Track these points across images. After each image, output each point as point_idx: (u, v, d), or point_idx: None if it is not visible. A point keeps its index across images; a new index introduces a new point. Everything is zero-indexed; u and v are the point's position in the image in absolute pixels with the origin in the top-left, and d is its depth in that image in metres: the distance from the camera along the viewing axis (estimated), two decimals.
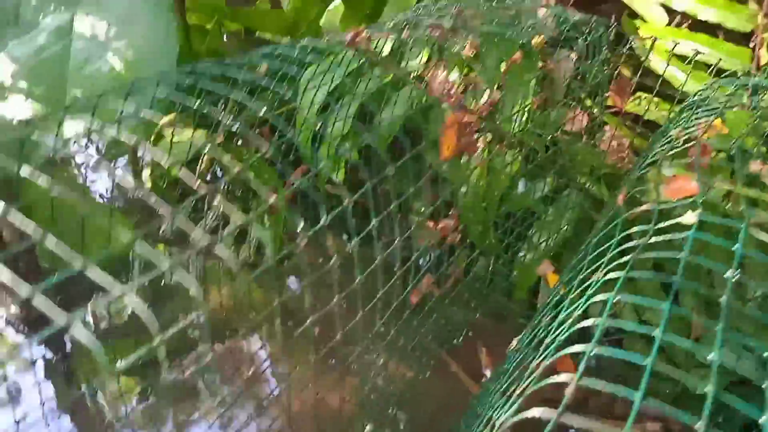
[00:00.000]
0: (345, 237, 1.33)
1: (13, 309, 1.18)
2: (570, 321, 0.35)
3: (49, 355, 1.11)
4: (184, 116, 0.92)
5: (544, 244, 1.04)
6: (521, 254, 1.05)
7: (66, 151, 1.01)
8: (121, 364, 0.35)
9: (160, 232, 1.16)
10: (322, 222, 0.56)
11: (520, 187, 1.06)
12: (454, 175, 1.06)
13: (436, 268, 0.89)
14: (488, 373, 0.99)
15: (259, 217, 1.33)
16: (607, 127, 1.00)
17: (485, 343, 1.02)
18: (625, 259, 0.40)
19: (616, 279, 0.38)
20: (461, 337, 1.01)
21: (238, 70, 0.56)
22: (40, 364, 1.09)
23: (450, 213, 0.67)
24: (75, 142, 1.11)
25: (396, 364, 0.83)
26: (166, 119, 0.91)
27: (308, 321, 0.53)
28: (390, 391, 0.84)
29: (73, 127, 0.63)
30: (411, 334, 0.84)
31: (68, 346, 1.12)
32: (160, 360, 0.40)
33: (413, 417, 0.90)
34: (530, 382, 0.31)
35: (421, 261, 1.07)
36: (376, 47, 1.04)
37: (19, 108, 0.86)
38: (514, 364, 0.47)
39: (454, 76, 0.53)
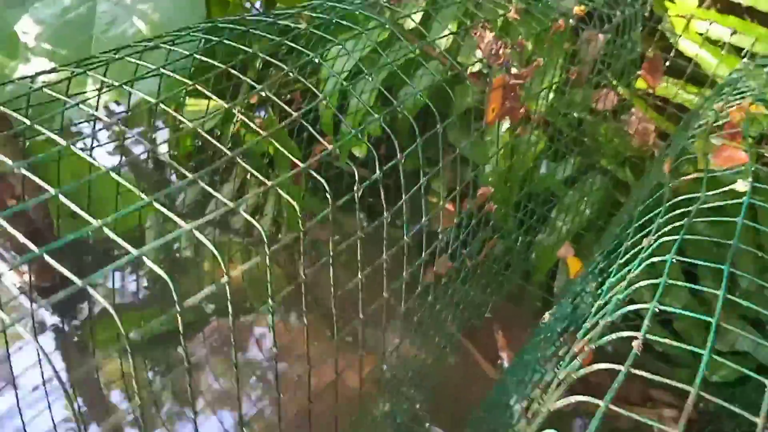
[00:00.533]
0: (361, 215, 1.33)
1: (26, 276, 1.18)
2: (626, 282, 0.34)
3: (60, 328, 1.11)
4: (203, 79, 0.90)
5: (564, 227, 1.03)
6: (541, 236, 1.04)
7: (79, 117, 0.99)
8: (134, 334, 0.34)
9: (175, 203, 1.16)
10: (352, 192, 0.55)
11: (543, 168, 1.05)
12: (477, 154, 1.05)
13: (455, 249, 0.88)
14: (504, 355, 0.98)
15: (277, 191, 1.32)
16: (633, 110, 0.99)
17: (501, 326, 1.02)
18: (678, 224, 0.39)
19: (670, 242, 0.37)
20: (479, 319, 1.00)
21: (273, 20, 0.55)
22: (50, 336, 1.09)
23: (479, 192, 0.65)
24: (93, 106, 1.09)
25: (414, 345, 0.82)
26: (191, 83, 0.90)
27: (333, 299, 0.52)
28: (408, 371, 0.83)
29: (94, 90, 0.62)
30: (429, 314, 0.83)
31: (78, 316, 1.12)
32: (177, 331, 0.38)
33: (430, 396, 0.89)
34: (590, 339, 0.30)
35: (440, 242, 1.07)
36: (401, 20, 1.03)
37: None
38: (556, 331, 0.46)
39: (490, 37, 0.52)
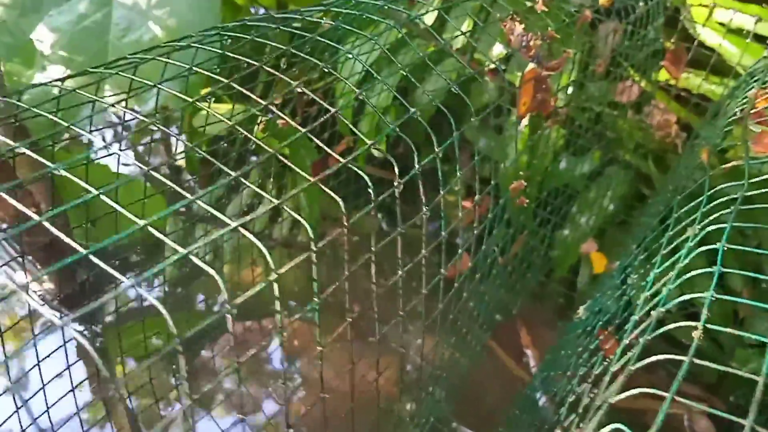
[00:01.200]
0: (380, 215, 1.32)
1: (47, 285, 1.17)
2: (675, 271, 0.33)
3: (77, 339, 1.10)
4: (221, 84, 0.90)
5: (587, 222, 1.01)
6: (563, 232, 1.03)
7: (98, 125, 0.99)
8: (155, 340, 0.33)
9: (192, 209, 1.15)
10: (368, 209, 0.54)
11: (563, 163, 1.04)
12: (495, 151, 1.04)
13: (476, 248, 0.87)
14: (529, 352, 0.97)
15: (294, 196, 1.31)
16: (654, 102, 0.98)
17: (524, 323, 1.01)
18: (725, 212, 0.38)
19: (719, 230, 0.36)
20: (501, 318, 0.99)
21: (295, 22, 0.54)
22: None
23: (512, 186, 0.64)
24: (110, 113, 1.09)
25: (437, 344, 0.81)
26: (204, 91, 0.90)
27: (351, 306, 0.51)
28: (432, 371, 0.82)
29: (112, 97, 0.62)
30: (452, 314, 0.82)
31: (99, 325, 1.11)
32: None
33: (454, 394, 0.88)
34: (647, 330, 0.29)
35: (458, 240, 1.06)
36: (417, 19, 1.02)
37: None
38: (597, 324, 0.45)
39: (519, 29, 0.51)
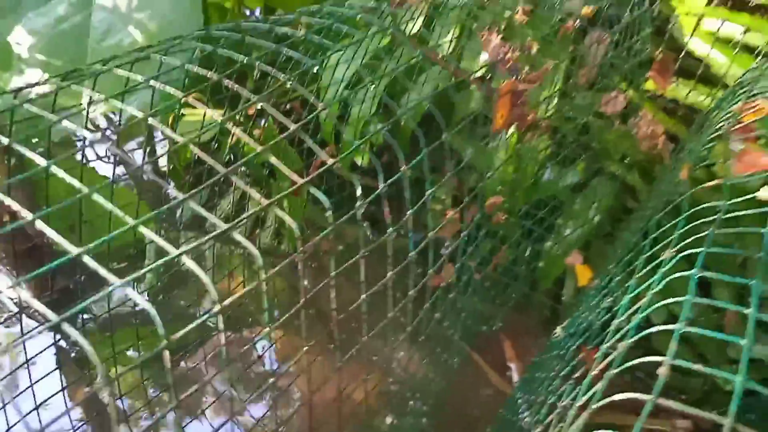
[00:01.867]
0: (365, 224, 1.30)
1: (21, 292, 1.15)
2: (647, 299, 0.32)
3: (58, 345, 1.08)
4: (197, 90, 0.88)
5: (572, 233, 1.00)
6: (548, 243, 1.02)
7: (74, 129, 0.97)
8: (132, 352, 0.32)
9: (175, 217, 1.13)
10: (356, 209, 0.52)
11: (548, 174, 1.03)
12: (480, 160, 1.03)
13: (456, 257, 0.85)
14: (512, 365, 0.96)
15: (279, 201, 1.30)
16: (641, 112, 0.96)
17: (509, 336, 0.99)
18: (699, 235, 0.37)
19: (694, 255, 0.35)
20: (486, 329, 0.97)
21: (270, 28, 0.53)
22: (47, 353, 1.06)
23: (488, 202, 0.63)
24: (89, 119, 1.07)
25: (418, 356, 0.80)
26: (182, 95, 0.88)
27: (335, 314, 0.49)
28: (413, 383, 0.81)
29: (88, 101, 0.60)
30: (433, 325, 0.81)
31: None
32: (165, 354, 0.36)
33: (436, 408, 0.87)
34: (613, 363, 0.28)
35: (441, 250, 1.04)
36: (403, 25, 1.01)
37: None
38: (570, 348, 0.44)
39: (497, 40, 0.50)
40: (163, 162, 1.27)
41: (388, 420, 0.77)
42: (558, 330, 0.52)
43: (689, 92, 0.94)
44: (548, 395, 0.40)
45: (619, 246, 0.68)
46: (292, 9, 1.32)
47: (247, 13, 1.24)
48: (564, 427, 0.28)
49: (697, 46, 0.94)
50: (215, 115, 0.53)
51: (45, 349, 0.85)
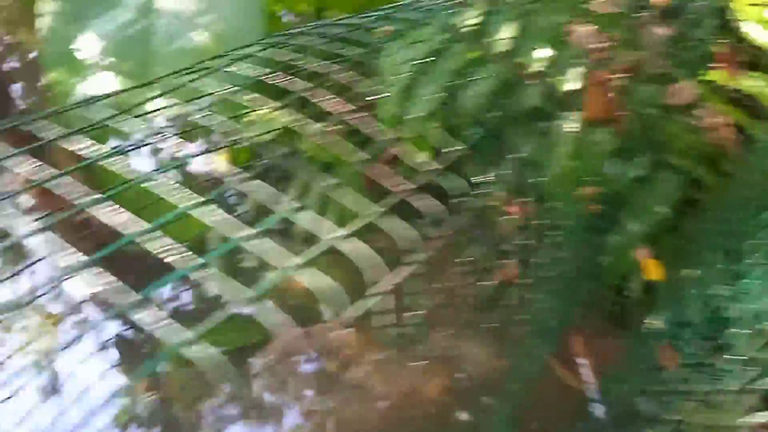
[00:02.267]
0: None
1: (100, 287, 1.18)
2: None
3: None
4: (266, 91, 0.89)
5: (637, 228, 0.98)
6: (613, 238, 1.00)
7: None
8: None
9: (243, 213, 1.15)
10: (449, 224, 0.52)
11: (611, 167, 1.01)
12: (541, 154, 1.02)
13: (520, 254, 0.85)
14: (583, 362, 0.94)
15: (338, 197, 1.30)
16: (706, 104, 0.95)
17: (577, 332, 0.98)
18: None
19: None
20: (555, 326, 0.96)
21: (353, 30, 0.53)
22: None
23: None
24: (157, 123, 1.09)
25: (488, 354, 0.79)
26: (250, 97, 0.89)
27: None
28: (483, 381, 0.80)
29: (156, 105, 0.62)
30: (502, 323, 0.81)
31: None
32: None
33: (506, 405, 0.86)
34: None
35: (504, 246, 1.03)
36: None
37: (108, 84, 0.85)
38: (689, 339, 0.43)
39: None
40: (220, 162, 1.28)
41: (462, 416, 0.77)
42: (651, 320, 0.51)
43: (756, 83, 0.92)
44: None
45: (694, 239, 0.66)
46: (344, 10, 1.33)
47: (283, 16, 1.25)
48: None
49: (759, 34, 0.92)
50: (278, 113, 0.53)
51: (109, 340, 0.86)
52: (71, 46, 0.92)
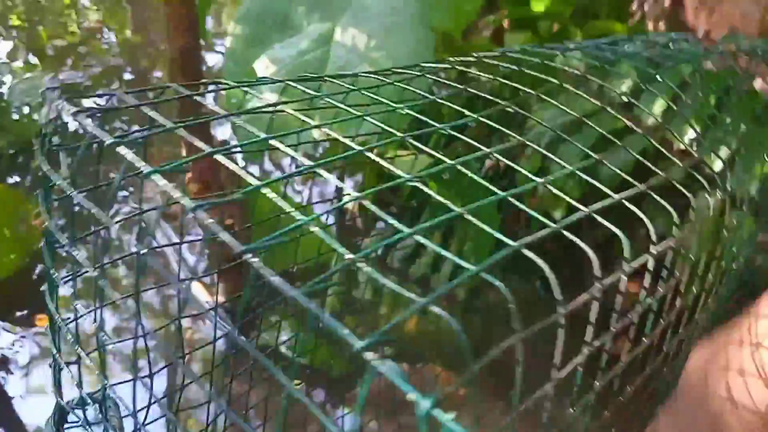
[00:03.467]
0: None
1: (221, 298, 1.25)
2: None
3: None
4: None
5: None
6: None
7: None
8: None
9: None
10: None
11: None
12: (677, 233, 1.02)
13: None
14: None
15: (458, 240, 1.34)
16: None
17: None
18: None
19: None
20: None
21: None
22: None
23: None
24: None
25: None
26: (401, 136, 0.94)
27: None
28: None
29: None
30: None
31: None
32: None
33: None
34: None
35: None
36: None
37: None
38: None
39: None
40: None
41: None
42: None
43: None
44: None
45: None
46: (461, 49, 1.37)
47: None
48: None
49: None
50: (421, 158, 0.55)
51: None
52: (250, 66, 1.00)
